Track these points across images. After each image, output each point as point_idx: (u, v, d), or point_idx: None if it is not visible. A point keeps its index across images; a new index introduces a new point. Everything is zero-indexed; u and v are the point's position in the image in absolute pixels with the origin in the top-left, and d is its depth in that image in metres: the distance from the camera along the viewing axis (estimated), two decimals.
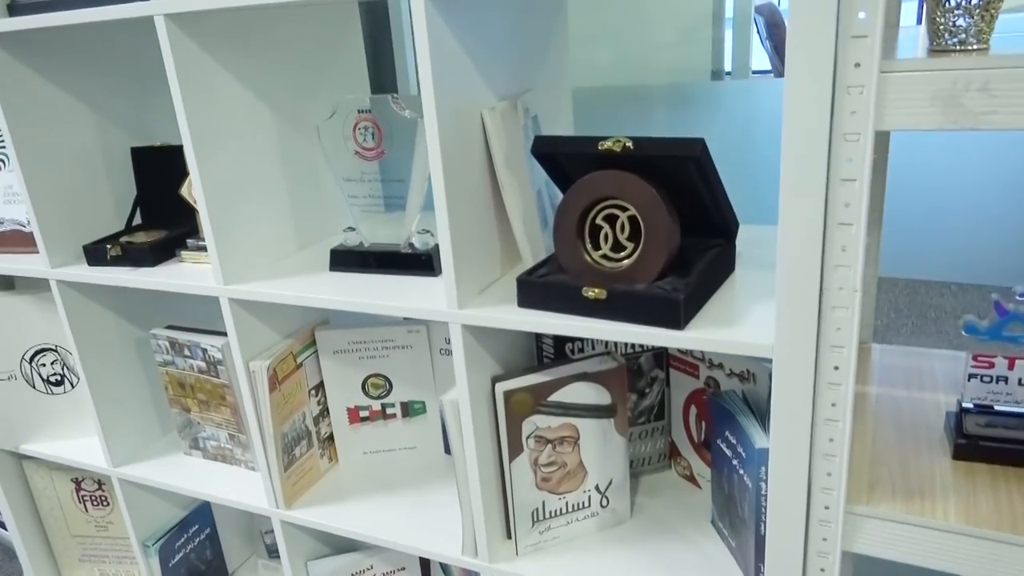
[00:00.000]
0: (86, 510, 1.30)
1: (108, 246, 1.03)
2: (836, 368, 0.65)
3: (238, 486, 1.11)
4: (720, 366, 0.92)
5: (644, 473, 1.05)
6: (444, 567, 1.16)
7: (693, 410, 0.99)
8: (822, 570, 0.73)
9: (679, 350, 0.98)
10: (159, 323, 1.17)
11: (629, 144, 0.71)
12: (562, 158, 0.79)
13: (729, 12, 3.32)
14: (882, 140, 0.85)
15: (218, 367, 1.08)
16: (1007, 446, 0.73)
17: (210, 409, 1.13)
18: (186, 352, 1.10)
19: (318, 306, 0.87)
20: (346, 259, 0.94)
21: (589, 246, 0.76)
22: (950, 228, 2.60)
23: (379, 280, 0.90)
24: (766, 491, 0.74)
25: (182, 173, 0.95)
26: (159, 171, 1.12)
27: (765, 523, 0.74)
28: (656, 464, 1.05)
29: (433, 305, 0.81)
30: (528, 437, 0.87)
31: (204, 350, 1.08)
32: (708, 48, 3.15)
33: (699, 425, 0.98)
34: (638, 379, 1.00)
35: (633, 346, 0.98)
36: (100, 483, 1.29)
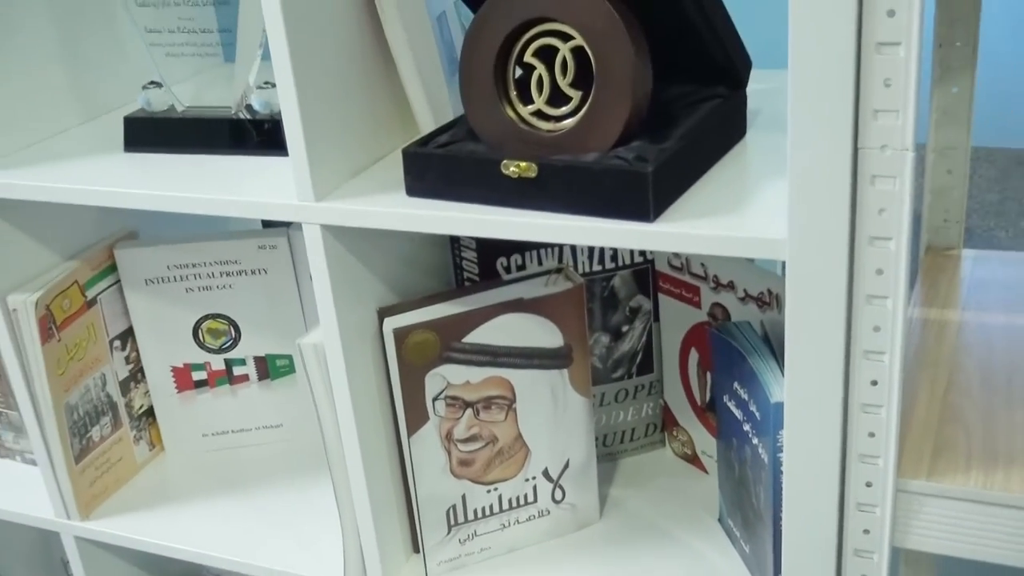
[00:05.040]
0: None
1: None
2: (879, 272, 0.66)
3: (12, 488, 1.13)
4: (731, 286, 0.93)
5: (624, 453, 1.09)
6: None
7: (694, 356, 1.01)
8: None
9: (671, 265, 1.00)
10: None
11: None
12: None
13: None
14: None
15: None
16: None
17: None
18: None
19: (80, 202, 0.87)
20: (149, 132, 0.95)
21: (515, 97, 0.76)
22: None
23: (202, 164, 0.91)
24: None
25: None
26: None
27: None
28: (642, 439, 1.08)
29: (277, 198, 0.82)
30: (436, 399, 0.89)
31: None
32: None
33: (704, 379, 1.01)
34: (611, 312, 1.02)
35: (601, 260, 0.99)
36: None
